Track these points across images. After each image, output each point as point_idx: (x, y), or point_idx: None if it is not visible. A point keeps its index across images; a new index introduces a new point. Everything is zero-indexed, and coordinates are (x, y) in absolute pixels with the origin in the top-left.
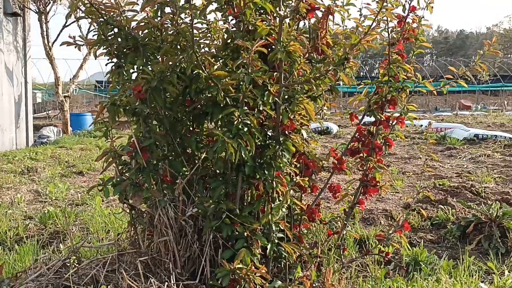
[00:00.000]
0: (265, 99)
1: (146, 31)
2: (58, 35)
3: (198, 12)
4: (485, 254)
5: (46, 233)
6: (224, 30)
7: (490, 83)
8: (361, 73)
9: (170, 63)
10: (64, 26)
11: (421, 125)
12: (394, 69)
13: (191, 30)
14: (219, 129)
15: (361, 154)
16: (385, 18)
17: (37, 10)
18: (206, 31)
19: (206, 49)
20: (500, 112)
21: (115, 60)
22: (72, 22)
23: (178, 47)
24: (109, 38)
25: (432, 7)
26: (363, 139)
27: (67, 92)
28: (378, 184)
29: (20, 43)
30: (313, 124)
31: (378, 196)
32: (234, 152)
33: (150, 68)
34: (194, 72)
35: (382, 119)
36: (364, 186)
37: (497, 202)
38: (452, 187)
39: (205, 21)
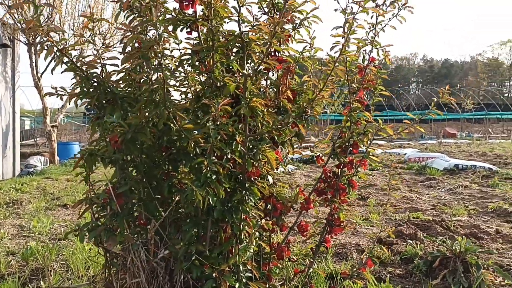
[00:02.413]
0: (233, 147)
1: (123, 85)
2: (47, 66)
3: (169, 73)
4: None
5: (27, 270)
6: (198, 82)
7: (474, 111)
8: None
9: (146, 114)
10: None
11: (405, 154)
12: (355, 116)
13: (163, 88)
14: (191, 175)
15: (327, 195)
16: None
17: (27, 42)
18: (183, 79)
19: (183, 96)
20: (484, 140)
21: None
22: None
23: (154, 99)
24: (90, 90)
25: (389, 59)
26: (328, 180)
27: (55, 122)
28: (342, 223)
29: (9, 73)
30: (297, 154)
31: (353, 230)
32: (202, 200)
33: (126, 120)
34: (166, 125)
35: (346, 162)
36: (330, 226)
37: (463, 237)
38: (424, 221)
39: (183, 71)
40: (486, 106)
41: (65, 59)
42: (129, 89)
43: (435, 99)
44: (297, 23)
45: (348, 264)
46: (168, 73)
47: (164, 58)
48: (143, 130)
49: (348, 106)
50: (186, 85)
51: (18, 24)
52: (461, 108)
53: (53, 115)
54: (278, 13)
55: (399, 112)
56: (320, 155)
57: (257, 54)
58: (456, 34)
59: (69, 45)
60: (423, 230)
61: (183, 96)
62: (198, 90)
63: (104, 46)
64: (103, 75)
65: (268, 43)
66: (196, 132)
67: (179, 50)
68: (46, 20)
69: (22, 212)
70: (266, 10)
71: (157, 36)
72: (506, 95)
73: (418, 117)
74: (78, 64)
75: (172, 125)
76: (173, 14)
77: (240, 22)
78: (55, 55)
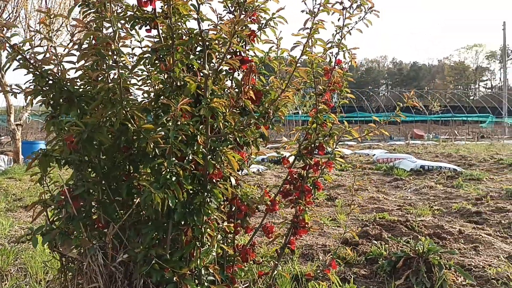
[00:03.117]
0: (195, 148)
1: (81, 82)
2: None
3: (126, 72)
4: None
5: None
6: (159, 81)
7: (441, 113)
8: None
9: (103, 114)
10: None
11: (374, 155)
12: (321, 118)
13: (119, 86)
14: (151, 177)
15: (292, 197)
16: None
17: None
18: (146, 78)
19: (145, 95)
20: (450, 142)
21: (50, 109)
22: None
23: (112, 98)
24: (45, 88)
25: (356, 62)
26: (294, 182)
27: (19, 120)
28: (307, 225)
29: None
30: (268, 154)
31: (320, 231)
32: (162, 202)
33: (83, 120)
34: (124, 125)
35: (311, 163)
36: (295, 227)
37: (427, 237)
38: (390, 221)
39: (145, 69)
40: (452, 109)
41: (18, 56)
42: (86, 87)
43: (401, 103)
44: (262, 23)
45: (314, 265)
46: (125, 72)
47: (121, 56)
48: (100, 129)
49: (314, 108)
50: (149, 84)
51: None
52: (429, 111)
53: (18, 113)
54: (244, 12)
55: (369, 113)
56: (286, 156)
57: (218, 53)
58: (423, 37)
59: (24, 40)
60: (388, 230)
61: (146, 95)
62: (158, 89)
63: (71, 43)
64: (59, 73)
65: (228, 42)
66: (155, 133)
67: (141, 48)
68: (10, 16)
69: None
70: (232, 9)
71: (113, 32)
72: (472, 98)
73: (384, 120)
74: (32, 61)
75: (130, 125)
76: (132, 12)
77: (200, 20)
78: (7, 52)
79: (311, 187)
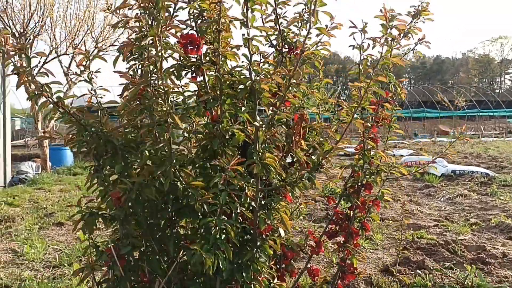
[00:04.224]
0: (242, 200)
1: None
2: (39, 71)
3: (174, 130)
4: None
5: None
6: (204, 132)
7: (466, 109)
8: (342, 98)
9: (151, 172)
10: (45, 62)
11: (400, 155)
12: (368, 155)
13: (168, 147)
14: (197, 231)
15: (339, 238)
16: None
17: None
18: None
19: (186, 134)
20: (477, 138)
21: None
22: (53, 58)
23: (158, 151)
24: (88, 139)
25: (405, 94)
26: (340, 222)
27: (47, 128)
28: (356, 270)
29: None
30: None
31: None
32: (211, 265)
33: (129, 173)
34: (172, 183)
35: (358, 203)
36: (342, 272)
37: (472, 264)
38: (430, 244)
39: (190, 121)
40: (478, 104)
41: (61, 110)
42: (130, 136)
43: (428, 97)
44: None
45: None
46: (174, 132)
47: (173, 118)
48: (148, 188)
49: (360, 144)
50: (188, 121)
51: (8, 28)
52: (454, 106)
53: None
54: (286, 46)
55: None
56: (331, 195)
57: (269, 104)
58: (444, 42)
59: (67, 96)
60: (430, 255)
61: (186, 134)
62: (202, 138)
63: (96, 49)
64: (102, 122)
65: (282, 96)
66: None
67: (182, 87)
68: (36, 25)
69: (14, 231)
70: (274, 43)
71: (163, 92)
72: (497, 91)
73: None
74: (75, 116)
75: (179, 182)
76: (176, 56)
77: (252, 71)
78: (50, 104)
79: (358, 229)
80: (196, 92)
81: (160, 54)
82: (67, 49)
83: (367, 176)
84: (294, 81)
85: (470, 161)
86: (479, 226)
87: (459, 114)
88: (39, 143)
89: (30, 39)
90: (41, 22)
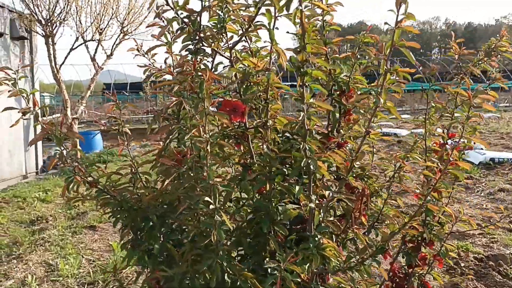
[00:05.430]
0: None
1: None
2: (66, 57)
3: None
4: None
5: None
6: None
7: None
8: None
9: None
10: (72, 49)
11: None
12: (432, 209)
13: (216, 240)
14: None
15: None
16: None
17: (44, 33)
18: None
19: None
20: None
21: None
22: (80, 45)
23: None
24: (124, 215)
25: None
26: (397, 280)
27: (75, 114)
28: None
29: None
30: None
31: None
32: None
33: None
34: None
35: (418, 261)
36: None
37: None
38: (479, 266)
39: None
40: None
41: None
42: (167, 212)
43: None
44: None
45: None
46: (220, 221)
47: (220, 214)
48: (192, 282)
49: (422, 194)
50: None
51: (35, 15)
52: (486, 77)
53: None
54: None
55: (424, 84)
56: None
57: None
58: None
59: (101, 175)
60: (479, 278)
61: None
62: (249, 212)
63: (122, 34)
64: (139, 196)
65: (344, 180)
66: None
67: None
68: (62, 11)
69: (47, 237)
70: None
71: (210, 187)
72: None
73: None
74: (111, 193)
75: (226, 276)
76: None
77: (307, 150)
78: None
79: None
80: (239, 160)
81: (205, 140)
82: (93, 35)
83: (430, 232)
84: (355, 164)
85: (507, 142)
86: None
87: (492, 86)
88: (68, 128)
89: (56, 25)
90: (67, 8)
